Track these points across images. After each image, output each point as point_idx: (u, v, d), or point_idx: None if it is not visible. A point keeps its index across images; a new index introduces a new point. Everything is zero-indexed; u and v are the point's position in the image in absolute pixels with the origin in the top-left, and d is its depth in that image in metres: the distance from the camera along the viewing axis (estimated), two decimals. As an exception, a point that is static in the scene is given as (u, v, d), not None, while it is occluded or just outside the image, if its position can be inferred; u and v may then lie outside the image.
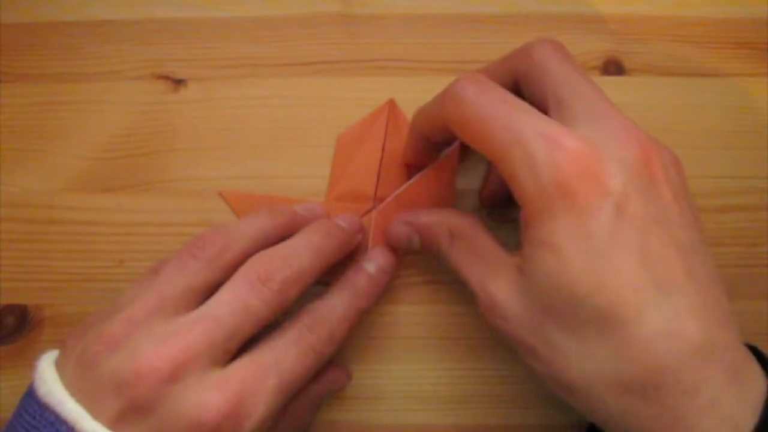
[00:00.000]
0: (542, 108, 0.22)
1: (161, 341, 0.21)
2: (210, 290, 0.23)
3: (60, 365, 0.21)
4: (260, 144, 0.30)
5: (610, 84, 0.30)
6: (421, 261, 0.29)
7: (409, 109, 0.30)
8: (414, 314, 0.29)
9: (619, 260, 0.19)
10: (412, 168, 0.29)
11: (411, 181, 0.28)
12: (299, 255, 0.24)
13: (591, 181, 0.19)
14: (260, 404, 0.21)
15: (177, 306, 0.22)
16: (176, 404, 0.20)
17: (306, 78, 0.30)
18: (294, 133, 0.30)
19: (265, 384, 0.21)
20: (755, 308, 0.29)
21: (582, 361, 0.19)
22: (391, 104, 0.30)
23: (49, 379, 0.21)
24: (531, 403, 0.28)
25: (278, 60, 0.30)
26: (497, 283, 0.22)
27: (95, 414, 0.20)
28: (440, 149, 0.28)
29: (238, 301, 0.22)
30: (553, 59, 0.22)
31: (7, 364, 0.28)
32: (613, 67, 0.30)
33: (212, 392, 0.20)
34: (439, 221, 0.25)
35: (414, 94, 0.30)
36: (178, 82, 0.30)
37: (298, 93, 0.30)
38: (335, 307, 0.25)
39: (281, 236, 0.25)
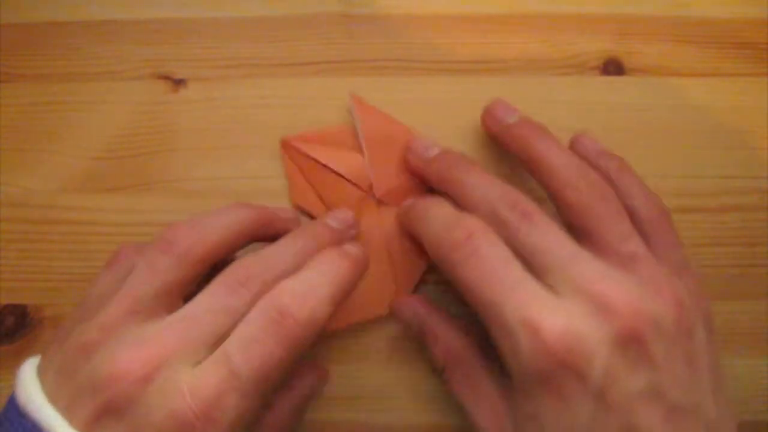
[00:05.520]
0: None
1: (136, 344, 0.20)
2: (185, 288, 0.23)
3: (41, 372, 0.21)
4: (260, 144, 0.30)
5: (610, 84, 0.30)
6: (421, 261, 0.29)
7: (410, 109, 0.30)
8: (414, 314, 0.29)
9: None
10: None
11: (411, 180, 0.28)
12: (284, 260, 0.23)
13: (570, 372, 0.20)
14: (230, 408, 0.20)
15: (151, 308, 0.22)
16: (148, 407, 0.20)
17: (306, 78, 0.30)
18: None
19: (235, 386, 0.20)
20: (755, 308, 0.29)
21: None
22: (356, 99, 0.29)
23: (28, 386, 0.21)
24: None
25: (278, 60, 0.30)
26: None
27: (72, 419, 0.20)
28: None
29: (217, 303, 0.21)
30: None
31: (7, 364, 0.28)
32: (613, 67, 0.30)
33: (181, 398, 0.20)
34: (436, 338, 0.26)
35: (414, 94, 0.30)
36: (178, 82, 0.30)
37: (298, 93, 0.30)
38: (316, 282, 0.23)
39: (257, 232, 0.25)
